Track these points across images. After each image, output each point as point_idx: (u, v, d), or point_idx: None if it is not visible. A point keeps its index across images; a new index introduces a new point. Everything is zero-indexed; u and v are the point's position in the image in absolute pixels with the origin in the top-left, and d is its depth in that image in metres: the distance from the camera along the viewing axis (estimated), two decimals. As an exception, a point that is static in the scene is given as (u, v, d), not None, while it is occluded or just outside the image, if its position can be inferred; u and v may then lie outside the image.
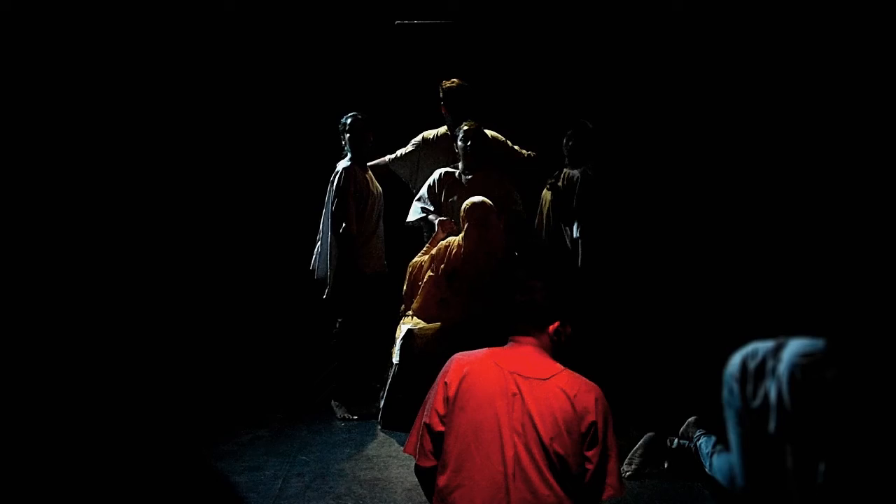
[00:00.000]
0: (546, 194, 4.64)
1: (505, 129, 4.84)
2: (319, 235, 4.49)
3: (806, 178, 4.89)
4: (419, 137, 4.82)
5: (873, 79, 4.75)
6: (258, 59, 5.32)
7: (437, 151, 4.71)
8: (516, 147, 4.81)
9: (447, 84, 4.67)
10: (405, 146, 4.84)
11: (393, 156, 4.84)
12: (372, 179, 4.49)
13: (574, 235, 4.52)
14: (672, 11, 5.14)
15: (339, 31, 5.36)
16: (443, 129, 4.79)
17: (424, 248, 4.45)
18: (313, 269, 4.53)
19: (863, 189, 4.76)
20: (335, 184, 4.34)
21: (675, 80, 5.21)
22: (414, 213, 4.61)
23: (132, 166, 5.09)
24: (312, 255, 4.54)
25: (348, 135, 4.38)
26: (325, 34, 5.36)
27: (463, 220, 4.20)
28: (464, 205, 4.20)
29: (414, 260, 4.38)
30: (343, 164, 4.39)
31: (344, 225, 4.28)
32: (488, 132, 4.74)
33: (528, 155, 4.81)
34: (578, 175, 4.53)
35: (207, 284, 5.23)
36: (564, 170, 4.63)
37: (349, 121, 4.40)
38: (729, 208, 5.05)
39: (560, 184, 4.56)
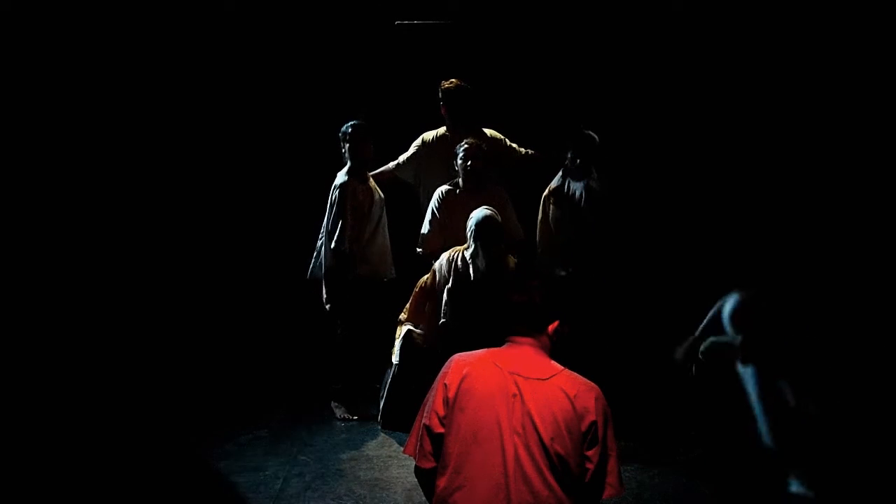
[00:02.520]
0: (551, 209, 4.55)
1: (504, 129, 4.83)
2: (321, 239, 4.50)
3: (805, 181, 4.89)
4: (419, 140, 4.81)
5: (873, 79, 4.76)
6: (257, 59, 5.31)
7: (439, 152, 4.70)
8: (514, 145, 4.80)
9: (447, 84, 4.66)
10: (406, 150, 4.83)
11: (396, 162, 4.82)
12: (372, 188, 4.47)
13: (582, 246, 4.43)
14: (672, 11, 5.14)
15: (339, 32, 5.36)
16: (442, 129, 4.78)
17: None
18: (310, 276, 4.53)
19: (865, 191, 4.76)
20: (332, 199, 4.35)
21: (675, 79, 5.20)
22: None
23: (132, 169, 5.09)
24: (312, 257, 4.54)
25: (348, 144, 4.36)
26: (324, 35, 5.36)
27: (471, 238, 4.11)
28: (471, 221, 4.12)
29: (420, 280, 4.35)
30: (341, 177, 4.38)
31: (339, 240, 4.28)
32: (487, 131, 4.74)
33: (527, 153, 4.80)
34: (582, 189, 4.48)
35: (208, 285, 5.24)
36: (566, 181, 4.56)
37: (349, 129, 4.37)
38: (730, 210, 5.04)
39: (564, 193, 4.50)
